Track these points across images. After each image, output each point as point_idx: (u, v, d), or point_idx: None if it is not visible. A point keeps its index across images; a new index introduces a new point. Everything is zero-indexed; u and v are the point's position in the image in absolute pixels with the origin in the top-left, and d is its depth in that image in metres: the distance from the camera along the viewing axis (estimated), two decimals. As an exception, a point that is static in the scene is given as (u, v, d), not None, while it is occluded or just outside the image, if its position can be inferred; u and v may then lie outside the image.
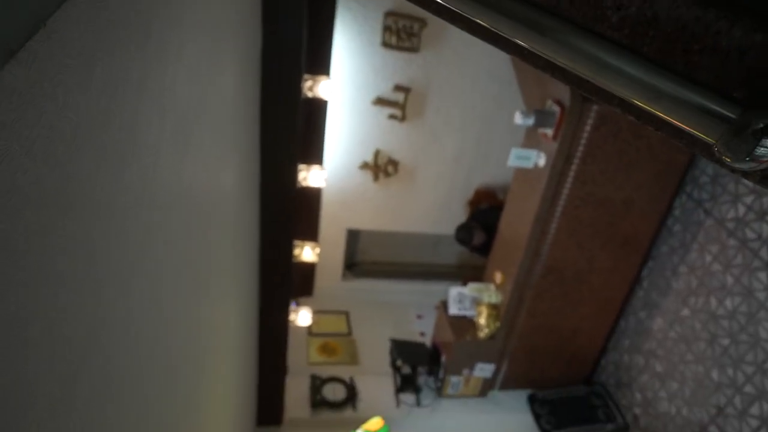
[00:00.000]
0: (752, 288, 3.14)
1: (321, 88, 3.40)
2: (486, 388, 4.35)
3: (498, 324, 3.95)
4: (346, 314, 5.12)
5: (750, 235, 3.17)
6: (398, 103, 4.40)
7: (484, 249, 4.37)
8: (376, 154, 4.63)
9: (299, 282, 4.63)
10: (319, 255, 4.09)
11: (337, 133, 4.45)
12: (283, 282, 3.36)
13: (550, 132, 3.24)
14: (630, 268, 3.89)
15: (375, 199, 4.85)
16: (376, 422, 3.71)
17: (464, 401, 4.33)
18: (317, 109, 4.01)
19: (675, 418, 3.67)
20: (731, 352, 3.26)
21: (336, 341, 4.80)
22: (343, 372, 4.40)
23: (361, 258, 5.63)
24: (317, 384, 4.23)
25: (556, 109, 3.18)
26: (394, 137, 4.58)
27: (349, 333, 4.94)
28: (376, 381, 4.34)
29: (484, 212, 4.63)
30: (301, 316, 4.03)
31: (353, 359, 4.66)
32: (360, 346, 4.80)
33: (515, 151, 3.41)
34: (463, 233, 4.45)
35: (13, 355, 0.54)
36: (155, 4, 0.91)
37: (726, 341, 3.30)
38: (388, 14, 4.06)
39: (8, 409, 0.54)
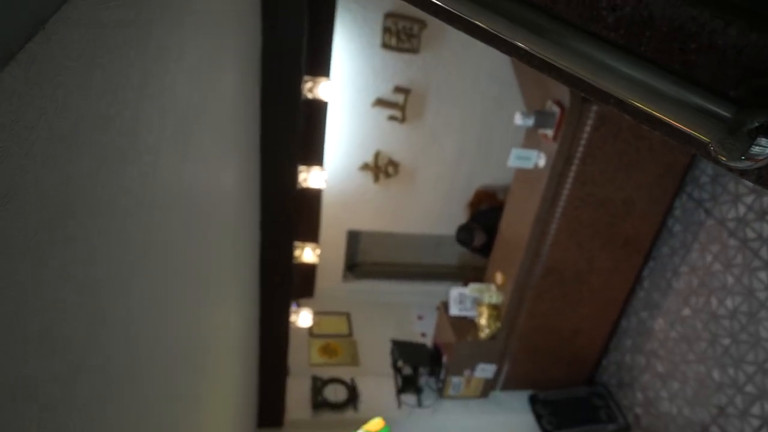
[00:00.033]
0: (753, 288, 3.14)
1: (321, 89, 3.40)
2: (487, 388, 4.35)
3: (499, 324, 3.95)
4: (347, 315, 5.12)
5: (750, 234, 3.16)
6: (398, 105, 4.40)
7: (485, 250, 4.37)
8: (377, 155, 4.63)
9: (300, 283, 4.63)
10: (320, 256, 4.09)
11: (337, 135, 4.45)
12: (283, 282, 3.37)
13: (550, 133, 3.24)
14: (631, 268, 3.89)
15: (375, 201, 4.86)
16: (376, 423, 3.71)
17: (465, 402, 4.33)
18: (317, 110, 4.01)
19: (676, 418, 3.67)
20: (732, 352, 3.26)
21: (337, 342, 4.80)
22: (344, 373, 4.40)
23: (362, 259, 5.63)
24: (318, 385, 4.23)
25: (556, 109, 3.19)
26: (395, 138, 4.59)
27: (350, 334, 4.94)
28: (377, 382, 4.34)
29: (485, 213, 4.63)
30: (302, 318, 4.03)
31: (354, 360, 4.66)
32: (361, 347, 4.80)
33: (515, 152, 3.41)
34: (463, 234, 4.45)
35: (13, 355, 0.54)
36: (156, 5, 0.91)
37: (727, 341, 3.29)
38: (388, 16, 4.07)
39: (8, 409, 0.54)
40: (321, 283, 5.17)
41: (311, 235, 4.43)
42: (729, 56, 0.48)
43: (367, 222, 5.05)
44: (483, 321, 3.95)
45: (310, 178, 3.58)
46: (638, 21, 0.52)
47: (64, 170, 0.61)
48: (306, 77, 3.23)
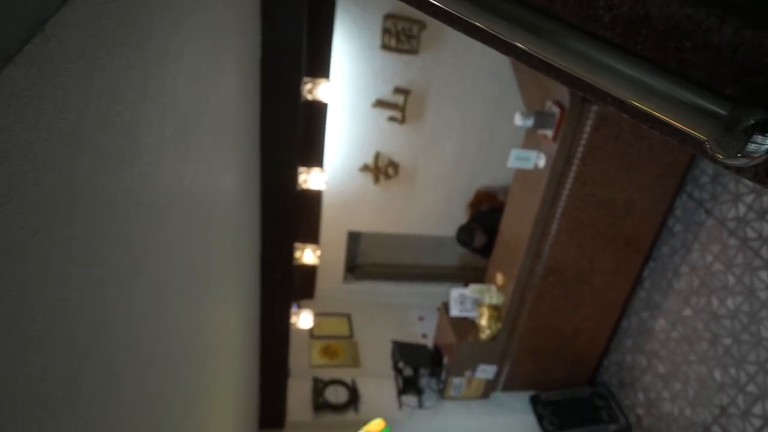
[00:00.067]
0: (754, 287, 3.13)
1: (321, 90, 3.41)
2: (488, 389, 4.35)
3: (499, 325, 3.95)
4: (348, 317, 5.12)
5: (751, 234, 3.16)
6: (398, 106, 4.41)
7: (485, 250, 4.37)
8: (377, 156, 4.63)
9: (300, 285, 4.63)
10: (320, 257, 4.10)
11: (337, 136, 4.46)
12: (284, 282, 3.37)
13: (549, 133, 3.25)
14: (631, 268, 3.88)
15: (375, 202, 4.86)
16: (377, 423, 3.71)
17: (467, 403, 4.33)
18: (317, 111, 4.02)
19: (678, 418, 3.66)
20: (733, 352, 3.25)
21: (338, 344, 4.80)
22: (345, 374, 4.40)
23: (362, 260, 5.64)
24: (319, 387, 4.23)
25: (556, 110, 3.19)
26: (395, 139, 4.59)
27: (351, 335, 4.94)
28: (378, 383, 4.34)
29: (485, 214, 4.63)
30: (303, 319, 4.03)
31: (355, 362, 4.66)
32: (362, 349, 4.79)
33: (515, 152, 3.41)
34: (464, 235, 4.45)
35: (13, 355, 0.54)
36: (155, 6, 0.91)
37: (728, 341, 3.29)
38: (387, 17, 4.07)
39: (8, 409, 0.54)
40: (321, 284, 5.17)
41: (311, 236, 4.44)
42: (724, 55, 0.48)
43: (367, 223, 5.06)
44: (484, 322, 3.95)
45: (310, 179, 3.58)
46: (635, 20, 0.52)
47: (64, 171, 0.61)
48: (306, 78, 3.23)
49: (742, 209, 3.23)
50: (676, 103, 0.47)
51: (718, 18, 0.47)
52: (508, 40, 0.57)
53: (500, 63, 4.23)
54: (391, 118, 4.46)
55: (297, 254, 3.61)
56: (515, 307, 3.90)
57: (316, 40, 3.58)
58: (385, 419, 3.78)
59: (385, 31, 4.11)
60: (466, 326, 4.06)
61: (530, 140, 3.50)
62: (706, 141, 0.46)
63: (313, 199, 4.47)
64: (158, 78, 0.96)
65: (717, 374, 3.36)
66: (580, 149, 3.24)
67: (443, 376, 4.22)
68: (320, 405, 4.11)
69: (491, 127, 4.66)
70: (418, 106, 4.47)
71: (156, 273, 1.08)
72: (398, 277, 5.59)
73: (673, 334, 3.73)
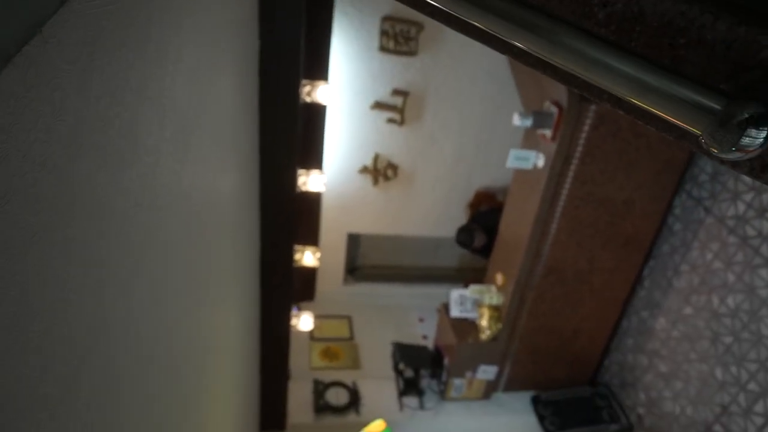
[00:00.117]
0: (754, 285, 3.14)
1: (319, 93, 3.41)
2: (489, 390, 4.34)
3: (500, 325, 3.95)
4: (348, 318, 5.11)
5: (750, 232, 3.16)
6: (397, 107, 4.41)
7: (485, 251, 4.38)
8: (376, 158, 4.64)
9: (300, 287, 4.63)
10: (320, 259, 4.10)
11: (336, 138, 4.46)
12: (283, 284, 3.37)
13: (548, 133, 3.25)
14: (631, 267, 3.89)
15: (375, 203, 4.86)
16: (378, 425, 3.70)
17: (467, 404, 4.32)
18: (316, 114, 4.02)
19: (679, 417, 3.66)
20: (734, 350, 3.25)
21: (338, 346, 4.80)
22: (346, 376, 4.40)
23: (362, 262, 5.64)
24: (320, 389, 4.23)
25: (554, 110, 3.19)
26: (393, 141, 4.60)
27: (351, 337, 4.94)
28: (378, 385, 4.34)
29: (485, 214, 4.63)
30: (303, 321, 4.03)
31: (355, 363, 4.66)
32: (362, 350, 4.79)
33: (514, 152, 3.42)
34: (463, 236, 4.45)
35: (13, 356, 0.54)
36: (154, 8, 0.92)
37: (729, 339, 3.29)
38: (385, 19, 4.08)
39: (8, 410, 0.54)
40: (321, 286, 5.17)
41: (311, 238, 4.44)
42: (718, 51, 0.48)
43: (366, 225, 5.06)
44: (484, 322, 3.95)
45: (309, 181, 3.58)
46: (629, 17, 0.52)
47: (63, 172, 0.61)
48: (304, 81, 3.24)
49: (741, 207, 3.23)
50: (670, 98, 0.48)
51: (711, 14, 0.48)
52: (505, 39, 0.57)
53: (498, 63, 4.23)
54: (390, 120, 4.47)
55: (297, 256, 3.61)
56: (515, 308, 3.90)
57: (315, 43, 3.58)
58: (386, 421, 3.77)
59: (383, 33, 4.11)
60: (466, 327, 4.06)
61: (529, 140, 3.51)
62: (701, 135, 0.46)
63: (313, 201, 4.48)
64: (157, 79, 0.96)
65: (718, 373, 3.36)
66: (579, 148, 3.24)
67: (444, 377, 4.22)
68: (321, 407, 4.11)
69: (490, 127, 4.67)
70: (416, 108, 4.48)
71: (155, 274, 1.08)
72: (398, 278, 5.59)
73: (673, 332, 3.73)
